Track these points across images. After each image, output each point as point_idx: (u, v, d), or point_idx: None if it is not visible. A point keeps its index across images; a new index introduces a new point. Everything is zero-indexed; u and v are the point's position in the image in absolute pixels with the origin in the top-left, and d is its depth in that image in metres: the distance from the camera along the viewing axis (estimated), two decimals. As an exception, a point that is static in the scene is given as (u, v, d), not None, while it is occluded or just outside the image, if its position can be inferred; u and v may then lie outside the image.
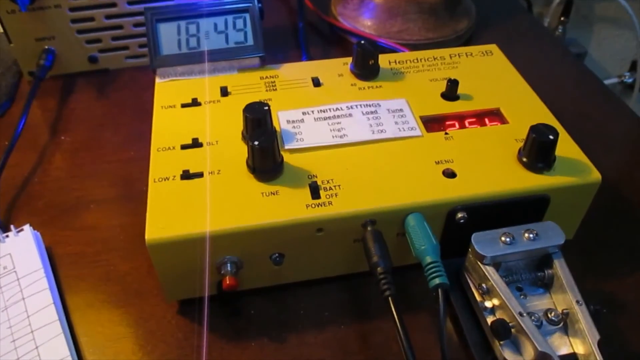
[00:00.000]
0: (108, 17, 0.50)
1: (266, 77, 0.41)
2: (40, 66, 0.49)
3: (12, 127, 0.46)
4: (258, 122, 0.34)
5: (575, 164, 0.34)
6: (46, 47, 0.50)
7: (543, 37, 0.62)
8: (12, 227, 0.37)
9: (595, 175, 0.34)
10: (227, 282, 0.31)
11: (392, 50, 0.52)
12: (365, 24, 0.56)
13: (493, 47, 0.45)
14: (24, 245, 0.36)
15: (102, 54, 0.52)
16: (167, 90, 0.40)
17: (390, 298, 0.29)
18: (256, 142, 0.31)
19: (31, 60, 0.50)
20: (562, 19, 1.01)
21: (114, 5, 0.50)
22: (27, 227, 0.37)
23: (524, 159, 0.34)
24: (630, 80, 1.07)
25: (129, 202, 0.42)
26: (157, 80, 0.41)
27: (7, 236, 0.37)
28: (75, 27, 0.50)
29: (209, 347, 0.32)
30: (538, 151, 0.33)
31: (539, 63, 0.56)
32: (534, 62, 0.55)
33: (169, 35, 0.41)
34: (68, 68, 0.53)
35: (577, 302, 0.30)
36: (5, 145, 0.44)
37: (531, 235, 0.32)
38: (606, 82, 1.08)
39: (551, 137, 0.33)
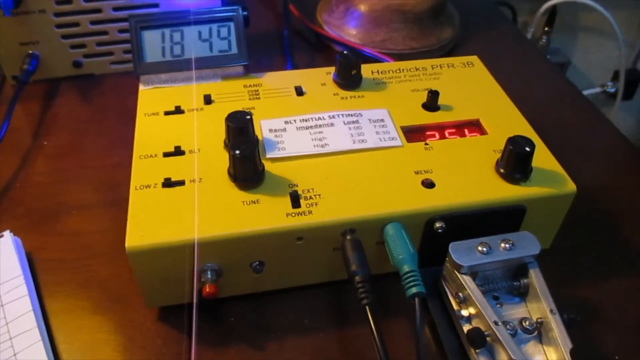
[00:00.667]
0: (93, 22, 0.50)
1: (250, 86, 0.41)
2: (23, 70, 0.49)
3: (-6, 132, 0.45)
4: (240, 131, 0.34)
5: (551, 175, 0.35)
6: (30, 51, 0.50)
7: (525, 47, 0.62)
8: (-8, 232, 0.37)
9: (571, 186, 0.34)
10: (207, 290, 0.31)
11: (376, 60, 0.53)
12: (350, 32, 0.57)
13: (474, 59, 0.45)
14: (3, 251, 0.36)
15: (86, 59, 0.52)
16: (150, 98, 0.40)
17: (367, 307, 0.29)
18: (237, 151, 0.32)
19: (15, 64, 0.50)
20: (546, 28, 1.02)
21: (99, 11, 0.50)
22: (7, 233, 0.37)
23: (502, 170, 0.34)
24: (612, 90, 1.09)
25: (112, 208, 0.42)
26: (141, 87, 0.41)
27: (-13, 242, 0.37)
28: (59, 32, 0.50)
29: (188, 354, 0.32)
30: (515, 162, 0.34)
31: (521, 73, 0.57)
32: (516, 72, 0.56)
33: (153, 43, 0.41)
34: (52, 73, 0.52)
35: (551, 311, 0.31)
36: (-13, 150, 0.44)
37: (507, 245, 0.32)
38: (589, 91, 1.10)
39: (527, 149, 0.33)
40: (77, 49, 0.52)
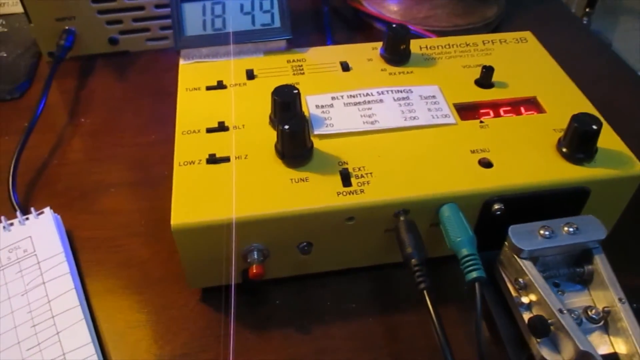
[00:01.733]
0: (130, -3, 0.49)
1: (293, 61, 0.40)
2: (60, 46, 0.49)
3: (30, 109, 0.45)
4: (287, 106, 0.32)
5: (616, 156, 0.33)
6: (66, 27, 0.49)
7: (573, 25, 0.60)
8: (32, 209, 0.36)
9: (638, 168, 0.32)
10: (254, 271, 0.30)
11: (419, 37, 0.50)
12: (391, 9, 0.55)
13: (527, 34, 0.43)
14: (44, 228, 0.35)
15: (122, 35, 0.51)
16: (191, 72, 0.39)
17: (425, 291, 0.28)
18: (286, 126, 0.30)
19: (51, 40, 0.49)
20: (587, 9, 0.98)
21: (135, -16, 0.49)
22: (47, 210, 0.36)
23: (564, 149, 0.32)
24: (654, 75, 1.05)
25: (149, 187, 0.41)
26: (181, 62, 0.40)
27: (27, 218, 0.36)
28: (95, 7, 0.49)
29: (229, 336, 0.31)
30: (580, 141, 0.32)
31: (570, 51, 0.53)
32: (565, 51, 0.53)
33: (193, 16, 0.40)
34: (88, 49, 0.51)
35: (620, 299, 0.29)
36: (24, 127, 0.43)
37: (571, 229, 0.30)
38: (630, 75, 1.06)
39: (594, 127, 0.31)
40: (113, 25, 0.50)
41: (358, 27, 0.57)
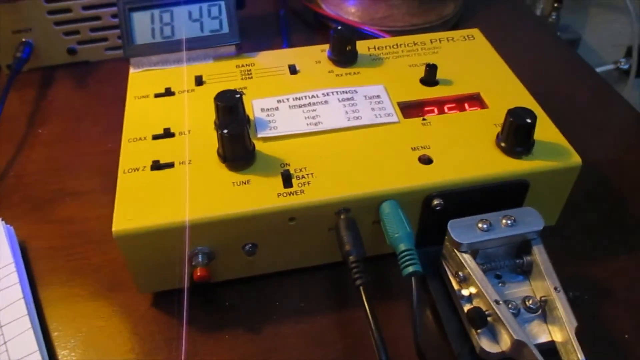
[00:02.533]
0: (85, 7, 0.49)
1: (242, 66, 0.40)
2: (16, 59, 0.49)
3: (-12, 121, 0.45)
4: (229, 110, 0.33)
5: (555, 148, 0.33)
6: (23, 39, 0.50)
7: (533, 23, 0.61)
8: (-17, 221, 0.37)
9: (575, 159, 0.33)
10: (198, 274, 0.30)
11: (376, 38, 0.51)
12: (349, 10, 0.55)
13: (475, 32, 0.44)
14: (-5, 240, 0.35)
15: (80, 45, 0.52)
16: (141, 81, 0.39)
17: (361, 287, 0.28)
18: (225, 130, 0.31)
19: (8, 53, 0.49)
20: (555, 4, 0.99)
21: (90, -5, 0.49)
22: (-2, 221, 0.37)
23: (502, 144, 0.33)
24: (626, 67, 1.06)
25: (107, 194, 0.40)
26: (131, 70, 0.40)
27: (-22, 230, 0.36)
28: (52, 18, 0.49)
29: (180, 340, 0.32)
30: (516, 135, 0.32)
31: (528, 48, 0.55)
32: (523, 48, 0.54)
33: (142, 24, 0.40)
34: (47, 60, 0.52)
35: (555, 288, 0.29)
36: (-19, 139, 0.43)
37: (509, 222, 0.31)
38: (602, 68, 1.07)
39: (529, 120, 0.32)
40: (70, 36, 0.51)
41: (317, 29, 0.58)
